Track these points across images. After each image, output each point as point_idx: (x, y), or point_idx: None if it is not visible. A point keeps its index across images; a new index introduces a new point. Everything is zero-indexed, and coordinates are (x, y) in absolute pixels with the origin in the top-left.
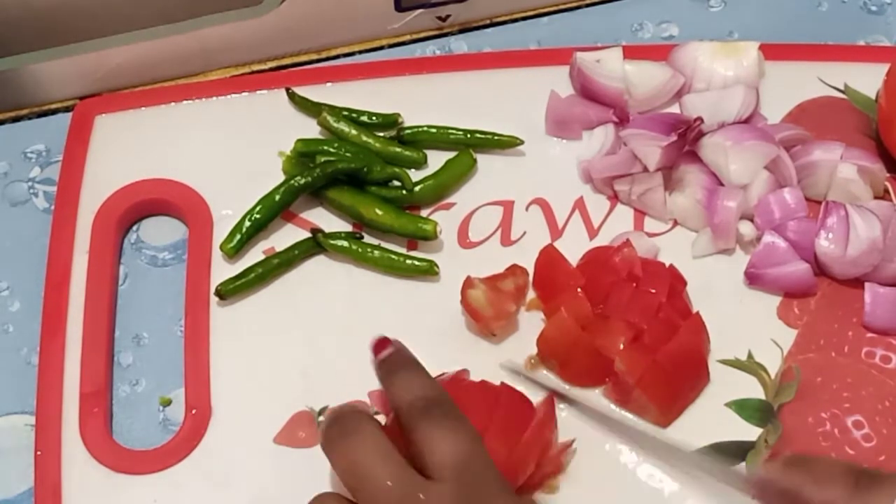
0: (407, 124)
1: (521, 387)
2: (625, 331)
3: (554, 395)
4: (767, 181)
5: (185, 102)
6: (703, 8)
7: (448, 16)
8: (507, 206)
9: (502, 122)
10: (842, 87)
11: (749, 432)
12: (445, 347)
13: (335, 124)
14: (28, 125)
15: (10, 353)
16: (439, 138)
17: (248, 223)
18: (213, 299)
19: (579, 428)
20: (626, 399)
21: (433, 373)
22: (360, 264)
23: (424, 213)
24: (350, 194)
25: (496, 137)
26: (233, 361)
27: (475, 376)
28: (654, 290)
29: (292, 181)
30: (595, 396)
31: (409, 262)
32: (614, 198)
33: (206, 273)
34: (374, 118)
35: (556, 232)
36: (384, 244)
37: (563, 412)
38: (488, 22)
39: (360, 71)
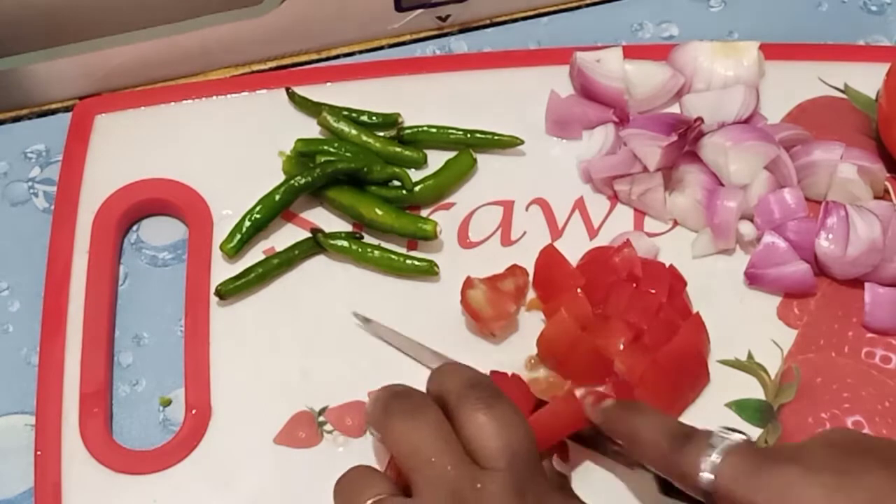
0: (407, 124)
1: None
2: (625, 331)
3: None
4: (767, 181)
5: (185, 102)
6: (703, 8)
7: (448, 16)
8: (507, 206)
9: (502, 122)
10: (842, 87)
11: (749, 432)
12: (445, 347)
13: (335, 124)
14: (28, 125)
15: (10, 353)
16: (439, 138)
17: (248, 223)
18: (213, 299)
19: None
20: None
21: None
22: (360, 264)
23: (424, 213)
24: (350, 194)
25: (496, 137)
26: (233, 361)
27: None
28: (654, 291)
29: (292, 181)
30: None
31: (409, 262)
32: (614, 198)
33: (206, 273)
34: (374, 118)
35: (556, 232)
36: (384, 244)
37: None
38: (488, 22)
39: (360, 71)
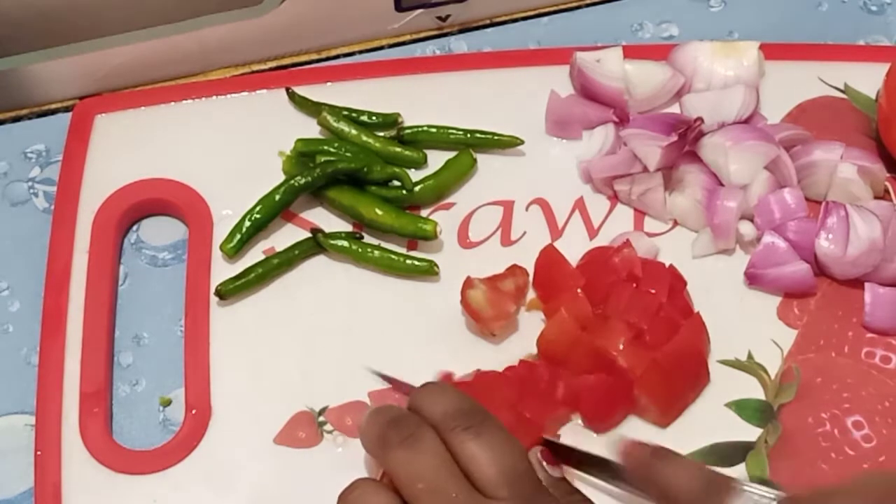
0: (407, 124)
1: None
2: (625, 331)
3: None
4: (767, 181)
5: (184, 102)
6: (703, 8)
7: (448, 16)
8: (507, 206)
9: (502, 122)
10: (842, 87)
11: (749, 432)
12: (445, 347)
13: (335, 124)
14: (28, 125)
15: (10, 353)
16: (439, 138)
17: (248, 223)
18: (213, 299)
19: None
20: None
21: (431, 373)
22: (360, 264)
23: (424, 213)
24: (350, 194)
25: (496, 137)
26: (233, 361)
27: None
28: (654, 291)
29: (292, 181)
30: None
31: (409, 262)
32: (614, 198)
33: (206, 273)
34: (374, 118)
35: (556, 232)
36: (384, 244)
37: None
38: (488, 22)
39: (360, 71)
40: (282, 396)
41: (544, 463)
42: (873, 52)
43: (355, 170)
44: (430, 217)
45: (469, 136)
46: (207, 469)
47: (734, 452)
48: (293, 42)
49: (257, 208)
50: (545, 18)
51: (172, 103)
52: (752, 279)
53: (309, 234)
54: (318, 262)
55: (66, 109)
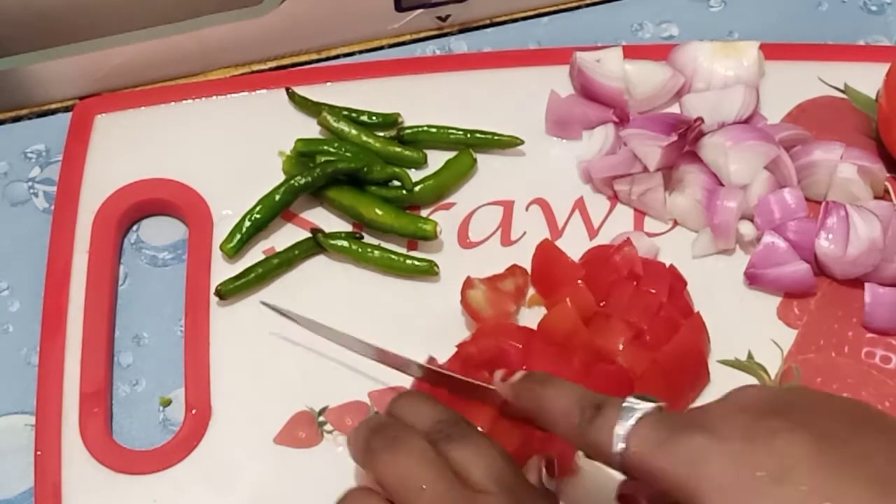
0: (407, 124)
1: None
2: (625, 330)
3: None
4: (767, 181)
5: (184, 102)
6: (703, 8)
7: (448, 16)
8: (507, 206)
9: (502, 122)
10: (842, 87)
11: None
12: (445, 347)
13: (335, 124)
14: (28, 125)
15: (10, 353)
16: (439, 138)
17: (248, 223)
18: (213, 299)
19: None
20: None
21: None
22: (360, 264)
23: (424, 213)
24: (350, 194)
25: (496, 137)
26: (233, 361)
27: None
28: (654, 290)
29: (292, 181)
30: None
31: (409, 262)
32: (614, 198)
33: (206, 273)
34: (374, 118)
35: (556, 232)
36: (384, 244)
37: None
38: (488, 22)
39: (360, 71)
40: (282, 396)
41: (544, 471)
42: (873, 52)
43: (355, 170)
44: (430, 217)
45: (469, 136)
46: (207, 469)
47: None
48: (293, 42)
49: (257, 208)
50: (545, 18)
51: (172, 103)
52: (752, 279)
53: (309, 234)
54: (318, 262)
55: (66, 109)
